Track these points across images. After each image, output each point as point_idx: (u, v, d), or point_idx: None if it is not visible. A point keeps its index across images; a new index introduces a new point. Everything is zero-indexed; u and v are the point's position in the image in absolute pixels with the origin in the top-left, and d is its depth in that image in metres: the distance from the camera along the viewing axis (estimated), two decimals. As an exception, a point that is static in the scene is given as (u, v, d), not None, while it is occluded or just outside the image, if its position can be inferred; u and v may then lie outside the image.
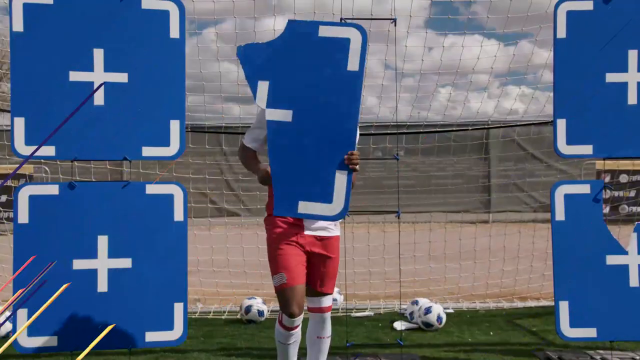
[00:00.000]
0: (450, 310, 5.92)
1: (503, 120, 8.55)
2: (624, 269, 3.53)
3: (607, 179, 11.14)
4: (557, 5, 3.44)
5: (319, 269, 3.32)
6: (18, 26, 3.17)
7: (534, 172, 10.17)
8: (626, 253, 3.55)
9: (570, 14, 3.45)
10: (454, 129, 7.57)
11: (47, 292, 3.24)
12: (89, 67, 3.25)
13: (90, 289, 3.28)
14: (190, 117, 7.06)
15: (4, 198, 11.18)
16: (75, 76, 3.23)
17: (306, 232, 3.25)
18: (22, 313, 3.22)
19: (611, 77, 3.45)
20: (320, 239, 3.30)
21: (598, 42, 3.44)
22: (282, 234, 3.25)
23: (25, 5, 3.17)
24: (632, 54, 3.45)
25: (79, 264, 3.26)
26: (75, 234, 3.26)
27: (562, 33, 3.45)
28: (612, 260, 3.52)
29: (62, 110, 3.22)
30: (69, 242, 3.26)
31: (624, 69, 3.45)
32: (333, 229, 3.36)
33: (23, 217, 3.22)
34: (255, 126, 3.29)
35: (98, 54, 3.26)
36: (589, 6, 3.45)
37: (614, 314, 3.52)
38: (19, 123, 3.20)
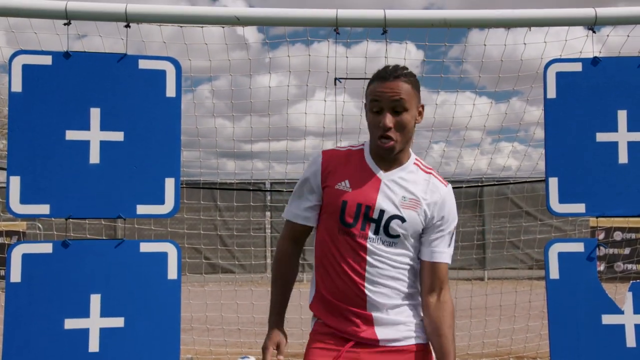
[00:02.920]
0: (447, 370, 5.84)
1: (497, 177, 8.60)
2: (620, 328, 3.50)
3: (602, 236, 11.14)
4: (546, 67, 3.51)
5: None
6: (17, 87, 3.22)
7: (529, 228, 10.18)
8: (622, 312, 3.53)
9: (559, 75, 3.51)
10: (448, 186, 7.61)
11: (38, 353, 3.21)
12: (86, 126, 3.29)
13: (81, 349, 3.23)
14: (185, 172, 7.11)
15: (-4, 255, 11.11)
16: (71, 135, 3.26)
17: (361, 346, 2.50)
18: (11, 374, 3.17)
19: (601, 137, 3.49)
20: (387, 351, 2.52)
21: (587, 103, 3.50)
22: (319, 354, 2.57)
23: (24, 66, 3.23)
24: (622, 114, 3.50)
25: (70, 324, 3.23)
26: (67, 292, 3.23)
27: (552, 93, 3.50)
28: (607, 319, 3.49)
29: (58, 168, 3.24)
30: (61, 301, 3.23)
31: (613, 128, 3.49)
32: (410, 333, 2.57)
33: (15, 276, 3.20)
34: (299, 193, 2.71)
35: (95, 113, 3.29)
36: (577, 67, 3.51)
37: (611, 374, 3.47)
38: (15, 182, 3.21)
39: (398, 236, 2.52)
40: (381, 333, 2.51)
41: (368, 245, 2.50)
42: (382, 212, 2.49)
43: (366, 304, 2.51)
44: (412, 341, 2.55)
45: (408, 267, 2.57)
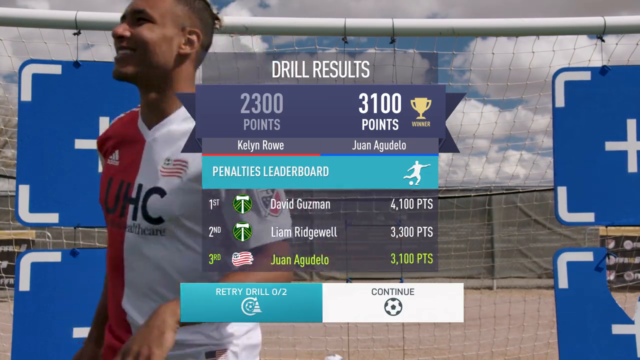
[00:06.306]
0: (455, 379, 5.82)
1: (505, 185, 8.58)
2: (631, 338, 3.48)
3: (612, 245, 11.08)
4: (554, 76, 3.50)
5: None
6: (27, 96, 3.24)
7: (538, 237, 10.14)
8: (632, 322, 3.50)
9: (568, 84, 3.50)
10: (457, 195, 7.60)
11: (45, 361, 3.21)
12: (95, 135, 3.28)
13: (89, 358, 3.23)
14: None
15: (5, 264, 11.14)
16: (80, 144, 3.28)
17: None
18: (19, 382, 3.17)
19: (610, 146, 3.48)
20: None
21: (596, 112, 3.49)
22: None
23: (34, 75, 3.25)
24: (631, 123, 3.48)
25: (78, 332, 3.23)
26: (76, 301, 3.24)
27: (560, 102, 3.49)
28: (617, 329, 3.47)
29: (67, 177, 3.25)
30: (70, 310, 3.23)
31: (623, 137, 3.48)
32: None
33: (24, 284, 3.20)
34: None
35: (104, 122, 3.31)
36: (586, 76, 3.50)
37: (621, 385, 3.45)
38: (24, 190, 3.22)
39: (161, 220, 1.58)
40: None
41: (126, 236, 1.63)
42: (140, 187, 1.63)
43: (130, 326, 1.67)
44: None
45: (180, 271, 1.59)
